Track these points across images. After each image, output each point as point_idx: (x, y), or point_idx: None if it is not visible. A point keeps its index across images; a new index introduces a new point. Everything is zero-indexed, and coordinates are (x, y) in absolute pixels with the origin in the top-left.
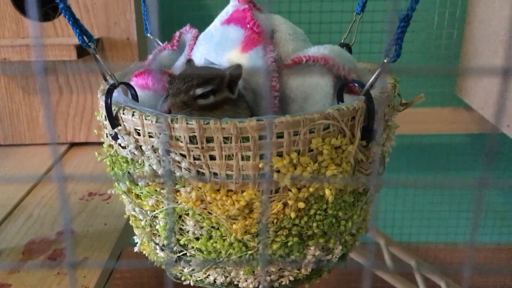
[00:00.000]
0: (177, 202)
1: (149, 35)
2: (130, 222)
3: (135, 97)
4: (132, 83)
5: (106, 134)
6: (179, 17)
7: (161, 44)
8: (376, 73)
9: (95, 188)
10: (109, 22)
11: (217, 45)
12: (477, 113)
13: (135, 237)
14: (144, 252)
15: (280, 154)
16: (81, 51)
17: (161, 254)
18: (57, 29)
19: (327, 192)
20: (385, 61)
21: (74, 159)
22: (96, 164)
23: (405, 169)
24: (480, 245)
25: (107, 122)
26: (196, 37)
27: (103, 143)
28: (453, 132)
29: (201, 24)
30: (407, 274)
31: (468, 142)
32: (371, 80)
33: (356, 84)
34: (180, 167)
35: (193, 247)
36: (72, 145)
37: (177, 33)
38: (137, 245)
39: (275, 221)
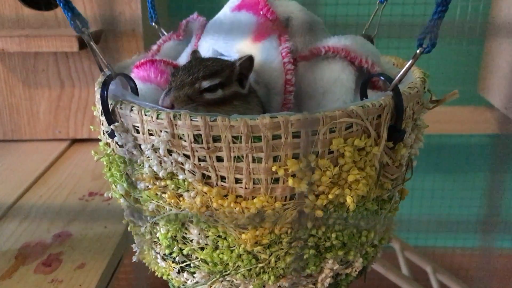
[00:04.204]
0: (180, 208)
1: (153, 24)
2: (129, 228)
3: (134, 90)
4: (132, 75)
5: (103, 131)
6: (188, 7)
7: (166, 34)
8: (407, 66)
9: (96, 187)
10: (114, 12)
11: (227, 34)
12: (500, 113)
13: (134, 245)
14: (144, 261)
15: (296, 156)
16: (83, 42)
17: (163, 264)
18: (59, 19)
19: (349, 199)
20: (418, 51)
21: (75, 156)
22: (99, 162)
23: (423, 171)
24: (499, 250)
25: (103, 118)
26: (204, 26)
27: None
28: (474, 132)
29: (212, 15)
30: (422, 280)
31: (489, 143)
32: (400, 73)
33: (382, 78)
34: (183, 169)
35: (197, 258)
36: (74, 141)
37: (184, 22)
38: (136, 253)
39: (289, 231)
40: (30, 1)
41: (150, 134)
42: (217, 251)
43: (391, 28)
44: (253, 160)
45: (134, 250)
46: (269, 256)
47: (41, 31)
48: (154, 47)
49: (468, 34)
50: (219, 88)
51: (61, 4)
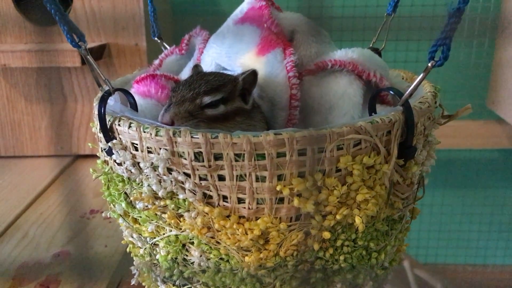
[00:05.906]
0: (180, 229)
1: (156, 38)
2: (128, 249)
3: (134, 106)
4: (132, 90)
5: (101, 148)
6: (192, 22)
7: (168, 48)
8: (418, 79)
9: (97, 205)
10: (117, 27)
11: (230, 48)
12: (511, 127)
13: (132, 267)
14: (143, 283)
15: (301, 175)
16: None
17: (163, 287)
18: (62, 34)
19: (357, 219)
20: (430, 65)
21: (78, 172)
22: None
23: (432, 186)
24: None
25: (101, 135)
26: (207, 40)
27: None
28: (484, 147)
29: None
30: None
31: (499, 157)
32: (411, 87)
33: (391, 93)
34: (183, 188)
35: (198, 281)
36: (77, 157)
37: (186, 36)
38: (135, 276)
39: (295, 253)
40: (35, 16)
41: (149, 152)
42: (219, 274)
43: (399, 32)
44: (257, 179)
45: (133, 273)
46: (274, 280)
47: (43, 46)
48: (156, 62)
49: (478, 35)
50: (221, 103)
51: (56, 17)
